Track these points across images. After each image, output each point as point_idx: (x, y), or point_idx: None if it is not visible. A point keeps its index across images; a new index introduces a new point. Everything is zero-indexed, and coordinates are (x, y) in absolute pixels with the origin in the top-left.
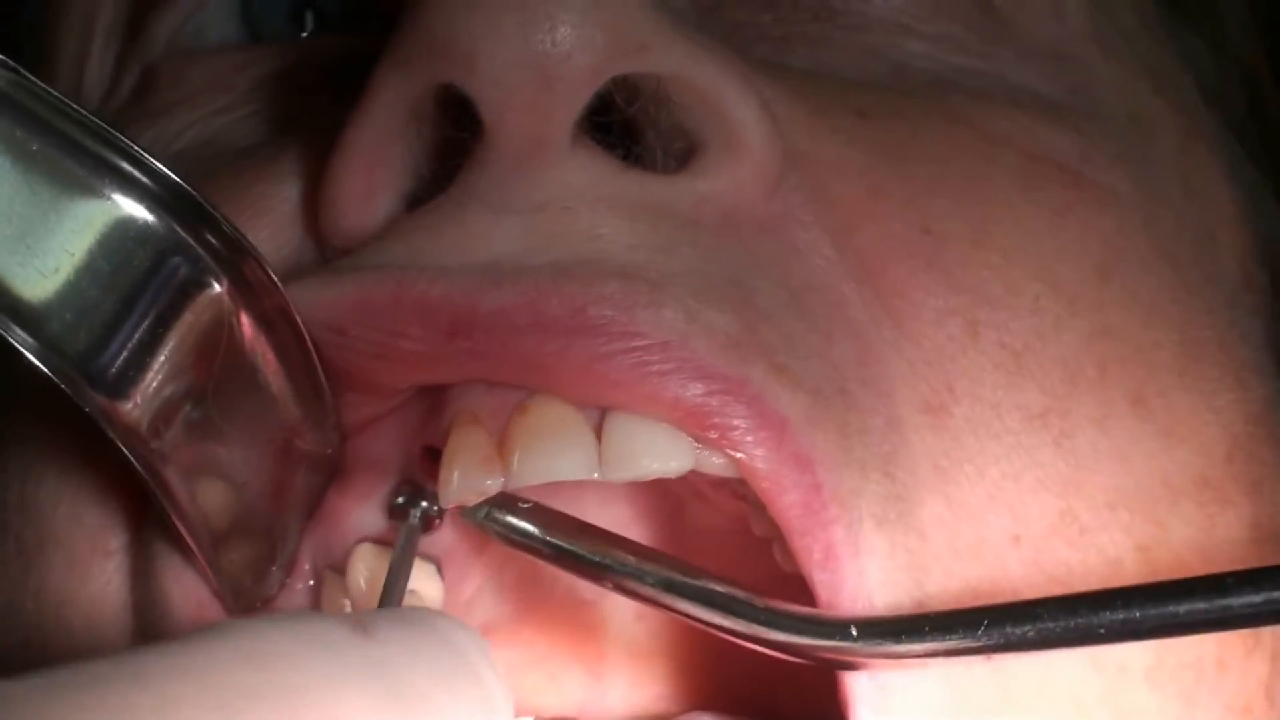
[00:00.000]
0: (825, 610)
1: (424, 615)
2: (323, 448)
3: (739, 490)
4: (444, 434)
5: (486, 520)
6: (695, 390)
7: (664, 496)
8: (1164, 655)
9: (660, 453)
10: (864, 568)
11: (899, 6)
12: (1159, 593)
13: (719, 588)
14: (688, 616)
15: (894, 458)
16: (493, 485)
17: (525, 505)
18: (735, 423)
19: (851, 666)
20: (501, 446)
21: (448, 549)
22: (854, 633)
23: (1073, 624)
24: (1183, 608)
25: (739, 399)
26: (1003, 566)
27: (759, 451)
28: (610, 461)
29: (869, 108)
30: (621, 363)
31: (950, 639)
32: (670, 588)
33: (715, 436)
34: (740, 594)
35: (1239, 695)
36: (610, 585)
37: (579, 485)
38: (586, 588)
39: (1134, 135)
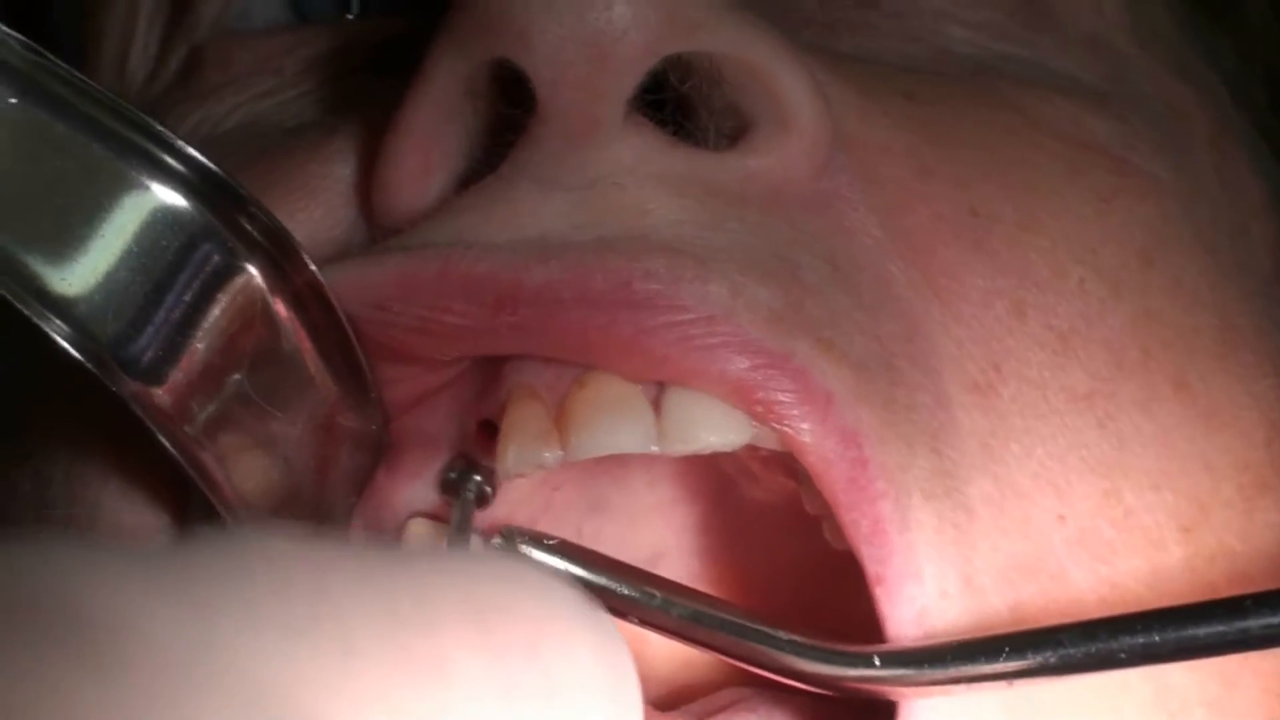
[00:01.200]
0: (847, 644)
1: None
2: (366, 425)
3: (791, 467)
4: (500, 408)
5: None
6: (740, 364)
7: (712, 476)
8: (1221, 693)
9: (718, 426)
10: (912, 541)
11: None
12: (1178, 616)
13: (745, 621)
14: (714, 649)
15: (941, 434)
16: (551, 458)
17: (550, 541)
18: (780, 397)
19: (875, 695)
20: (560, 420)
21: (500, 525)
22: (877, 663)
23: (1093, 649)
24: (1201, 631)
25: (784, 373)
26: (1048, 544)
27: (805, 425)
28: (669, 435)
29: (916, 91)
30: (666, 336)
31: (972, 666)
32: (697, 620)
33: (761, 410)
34: (766, 627)
35: (1278, 677)
36: (636, 620)
37: (626, 466)
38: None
39: (1172, 126)
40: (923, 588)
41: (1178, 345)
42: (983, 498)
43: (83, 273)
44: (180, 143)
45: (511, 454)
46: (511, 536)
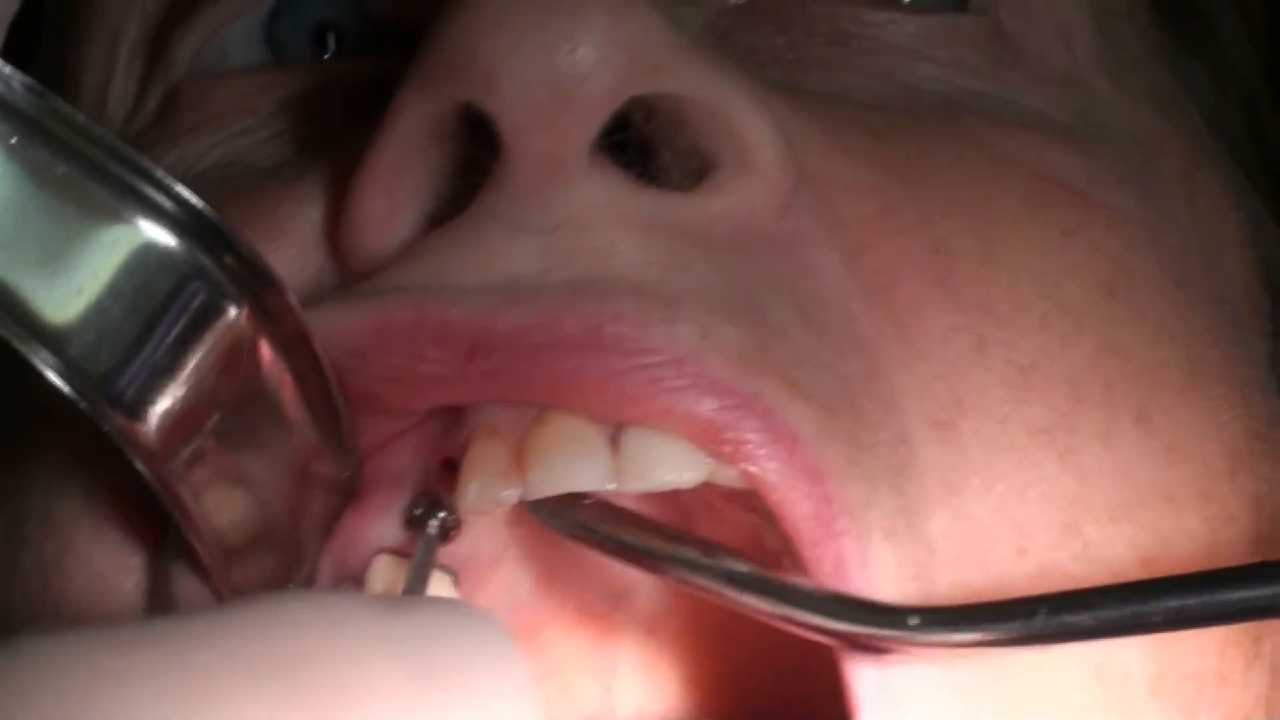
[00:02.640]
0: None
1: (451, 601)
2: (340, 471)
3: (751, 503)
4: (462, 447)
5: (550, 516)
6: (709, 405)
7: (673, 510)
8: (1166, 666)
9: (675, 464)
10: (872, 578)
11: (912, 33)
12: (1214, 580)
13: (781, 580)
14: (750, 608)
15: (903, 471)
16: (510, 495)
17: (588, 501)
18: (748, 436)
19: (909, 653)
20: (519, 458)
21: (465, 560)
22: (912, 621)
23: (1127, 611)
24: (1236, 595)
25: (751, 413)
26: (1008, 579)
27: (771, 465)
28: (626, 473)
29: (882, 128)
30: (636, 379)
31: (1007, 627)
32: (732, 580)
33: (729, 450)
34: (804, 584)
35: (1238, 707)
36: (674, 579)
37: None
38: (599, 600)
39: (1141, 158)
40: None
41: (1141, 378)
42: (943, 533)
43: (77, 310)
44: (176, 184)
45: (472, 491)
46: (545, 502)
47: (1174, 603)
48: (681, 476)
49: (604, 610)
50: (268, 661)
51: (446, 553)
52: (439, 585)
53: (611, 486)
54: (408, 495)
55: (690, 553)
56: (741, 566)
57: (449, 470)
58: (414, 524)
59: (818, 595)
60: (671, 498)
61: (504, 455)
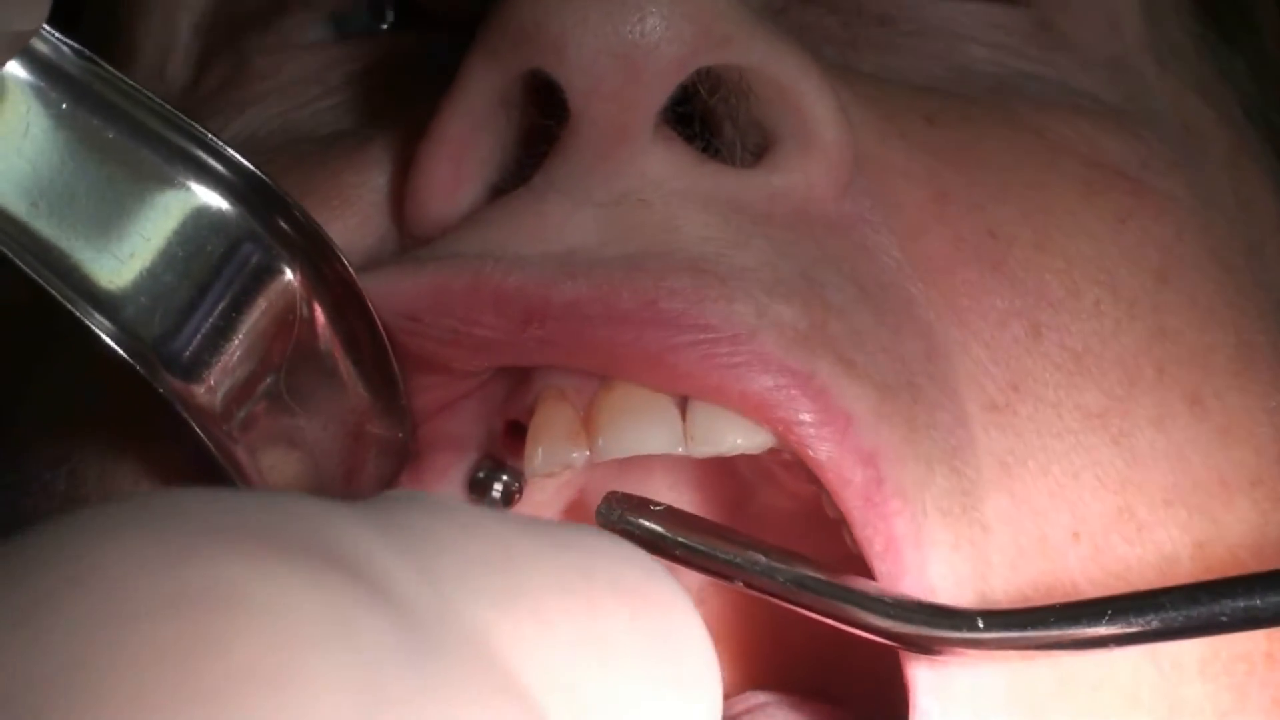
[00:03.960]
0: (952, 604)
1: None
2: (394, 432)
3: (812, 472)
4: (528, 410)
5: (620, 523)
6: (763, 383)
7: (732, 481)
8: (1217, 649)
9: (744, 429)
10: (926, 559)
11: (958, 20)
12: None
13: (847, 586)
14: (816, 612)
15: (960, 453)
16: (578, 458)
17: (657, 508)
18: (801, 416)
19: (976, 657)
20: (587, 421)
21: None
22: (980, 624)
23: (1194, 613)
24: None
25: (805, 393)
26: (1063, 562)
27: (824, 445)
28: (695, 437)
29: (936, 114)
30: (691, 354)
31: (1074, 629)
32: (802, 586)
33: (781, 429)
34: (870, 589)
35: None
36: (742, 584)
37: (649, 470)
38: None
39: (1188, 144)
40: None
41: (1192, 362)
42: (999, 515)
43: (130, 274)
44: (226, 149)
45: (540, 454)
46: (615, 504)
47: (1241, 603)
48: (752, 441)
49: None
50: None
51: None
52: None
53: (680, 450)
54: (469, 459)
55: (758, 560)
56: (808, 571)
57: (513, 434)
58: (477, 487)
59: (887, 601)
60: (729, 468)
61: (572, 418)
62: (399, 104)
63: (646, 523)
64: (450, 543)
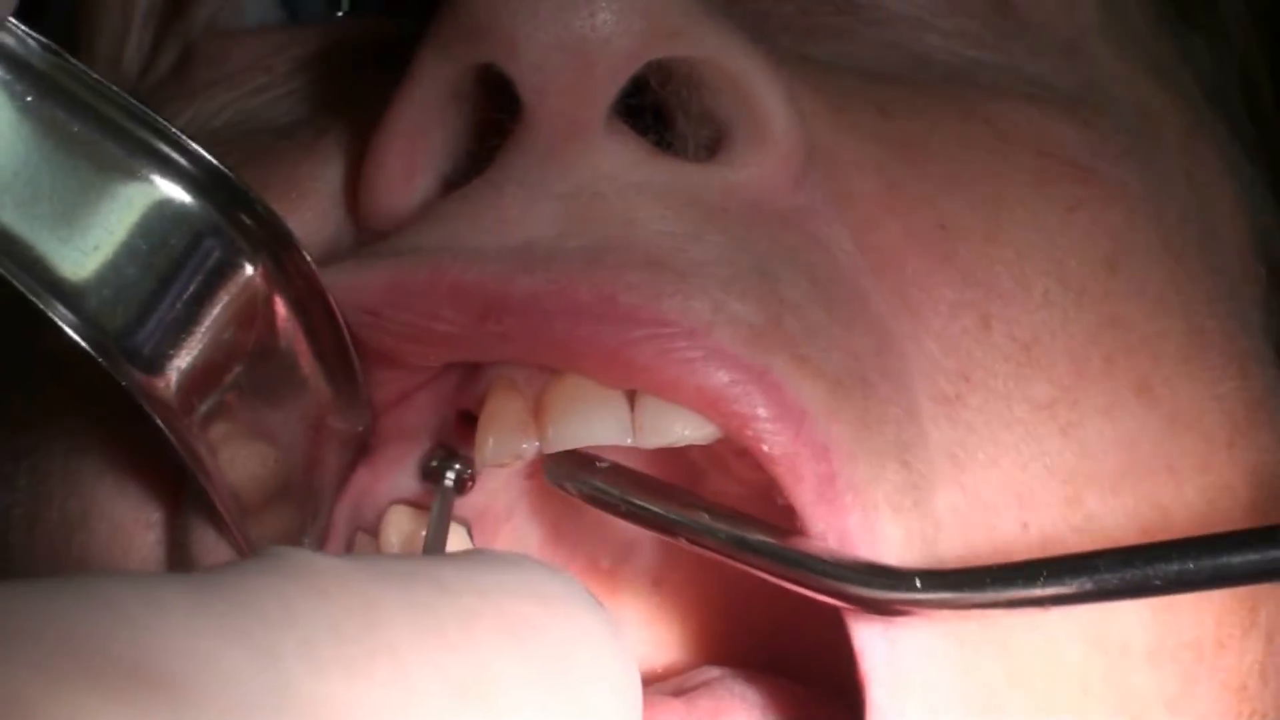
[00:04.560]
0: (889, 564)
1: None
2: (353, 425)
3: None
4: (479, 399)
5: (566, 479)
6: (719, 378)
7: (684, 467)
8: (1165, 636)
9: (692, 420)
10: (879, 555)
11: (917, 2)
12: (1214, 544)
13: (788, 545)
14: (758, 570)
15: (911, 447)
16: (528, 449)
17: (603, 465)
18: (757, 411)
19: (913, 615)
20: (537, 411)
21: (479, 512)
22: (918, 584)
23: (1128, 575)
24: (1236, 559)
25: (760, 388)
26: (1012, 553)
27: (778, 440)
28: (644, 428)
29: (888, 104)
30: (648, 349)
31: (1009, 590)
32: (740, 545)
33: (736, 424)
34: (810, 549)
35: (1235, 674)
36: (684, 541)
37: (603, 454)
38: (605, 555)
39: (1141, 129)
40: None
41: (1142, 350)
42: (949, 509)
43: (93, 267)
44: (190, 143)
45: (490, 444)
46: (561, 462)
47: (1175, 566)
48: (700, 432)
49: (610, 565)
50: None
51: (461, 504)
52: (454, 537)
53: (629, 441)
54: (423, 447)
55: (701, 517)
56: (751, 531)
57: (466, 422)
58: (430, 475)
59: (824, 559)
60: (682, 455)
61: (522, 409)
62: (353, 94)
63: (592, 480)
64: (302, 614)
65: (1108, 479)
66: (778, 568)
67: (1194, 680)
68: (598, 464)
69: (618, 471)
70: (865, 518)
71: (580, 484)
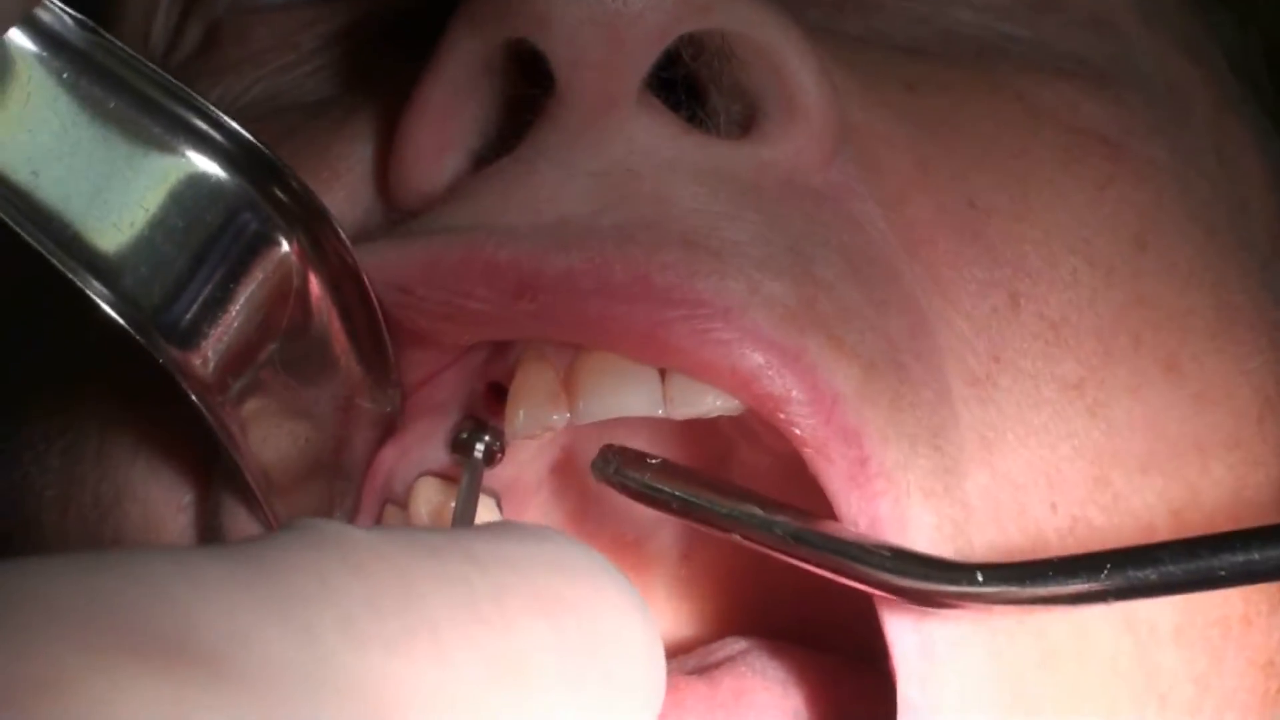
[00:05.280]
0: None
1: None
2: (383, 407)
3: None
4: (510, 371)
5: (616, 476)
6: (753, 360)
7: (714, 438)
8: (1193, 614)
9: (724, 392)
10: (911, 541)
11: None
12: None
13: (844, 538)
14: (813, 565)
15: (942, 430)
16: (558, 420)
17: (654, 462)
18: (790, 394)
19: (974, 610)
20: (568, 383)
21: (508, 484)
22: (980, 578)
23: (1193, 566)
24: None
25: (794, 370)
26: (1042, 535)
27: (809, 423)
28: (675, 399)
29: (917, 81)
30: (682, 329)
31: (1073, 584)
32: (799, 539)
33: (770, 406)
34: (865, 543)
35: (1263, 650)
36: (738, 537)
37: (631, 428)
38: (634, 528)
39: (1171, 103)
40: None
41: (1169, 327)
42: (979, 492)
43: (129, 243)
44: (226, 119)
45: (521, 416)
46: (611, 457)
47: (1240, 556)
48: (730, 402)
49: (637, 537)
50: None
51: (490, 476)
52: (482, 508)
53: (660, 413)
54: (452, 420)
55: (753, 511)
56: (804, 524)
57: (495, 394)
58: (459, 447)
59: (882, 553)
60: (711, 426)
61: (553, 380)
62: (381, 70)
63: (642, 476)
64: (340, 589)
65: (1135, 458)
66: (837, 563)
67: (1221, 657)
68: (648, 460)
69: (668, 468)
70: (897, 503)
71: (630, 481)
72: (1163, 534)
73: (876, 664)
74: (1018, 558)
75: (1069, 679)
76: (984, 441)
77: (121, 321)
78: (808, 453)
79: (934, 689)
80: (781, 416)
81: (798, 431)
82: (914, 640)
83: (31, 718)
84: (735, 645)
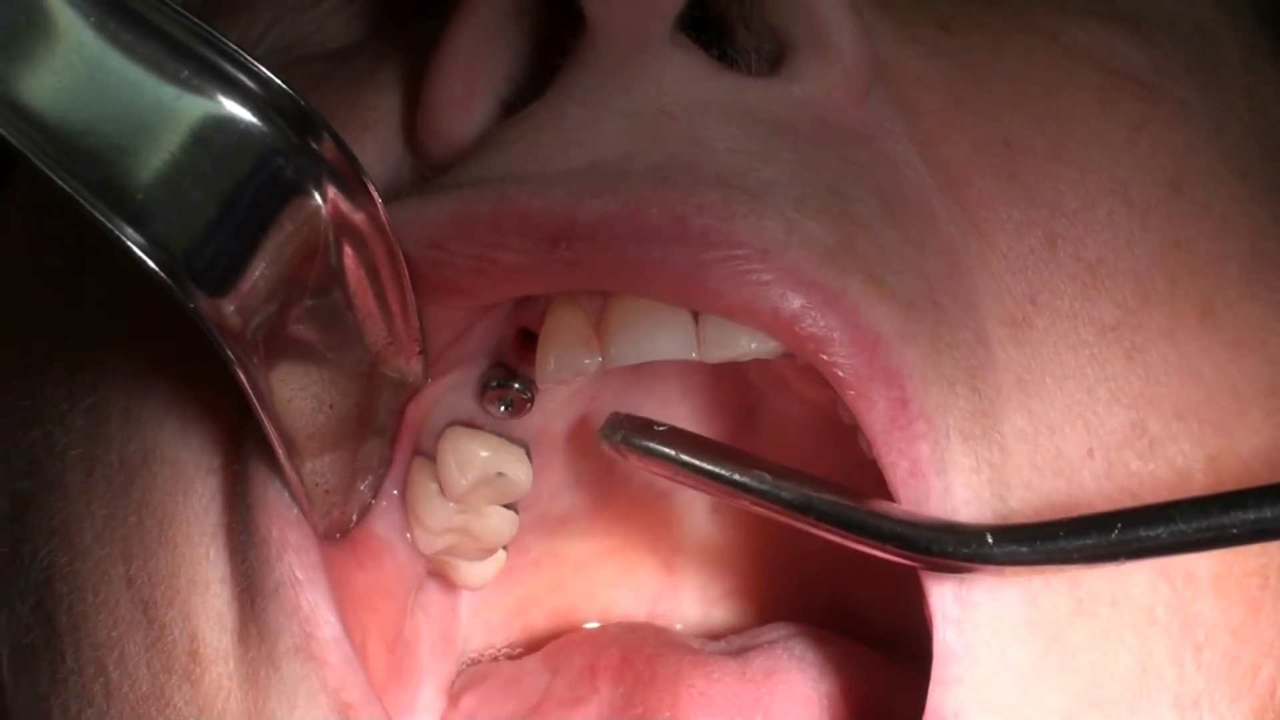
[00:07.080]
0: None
1: None
2: (409, 364)
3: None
4: (540, 316)
5: (623, 443)
6: (794, 301)
7: (744, 389)
8: (1230, 563)
9: (758, 334)
10: (949, 484)
11: None
12: None
13: (853, 503)
14: (822, 530)
15: (980, 372)
16: (590, 365)
17: (661, 428)
18: (832, 335)
19: (985, 572)
20: (600, 327)
21: (536, 435)
22: (990, 539)
23: (1205, 525)
24: None
25: (835, 311)
26: (1078, 479)
27: (851, 364)
28: (709, 341)
29: (950, 19)
30: (720, 271)
31: (1085, 542)
32: (806, 505)
33: (812, 347)
34: (875, 509)
35: None
36: (747, 503)
37: (661, 378)
38: (661, 483)
39: (1203, 48)
40: None
41: (1205, 272)
42: (1017, 435)
43: (158, 188)
44: (259, 66)
45: (552, 360)
46: (619, 425)
47: (1251, 515)
48: (766, 345)
49: (666, 489)
50: None
51: (518, 425)
52: (512, 457)
53: (693, 355)
54: (480, 369)
55: (762, 477)
56: (811, 490)
57: (525, 341)
58: (488, 396)
59: (892, 519)
60: (741, 377)
61: (584, 324)
62: (406, 14)
63: (650, 443)
64: None
65: (1172, 404)
66: (843, 530)
67: (1259, 607)
68: (655, 427)
69: (676, 435)
70: (936, 445)
71: (637, 447)
72: (1199, 480)
73: (913, 649)
74: (1053, 502)
75: (1104, 626)
76: (1021, 384)
77: (152, 264)
78: (850, 395)
79: (970, 634)
80: (824, 358)
81: (840, 373)
82: (951, 587)
83: None
84: (775, 631)
